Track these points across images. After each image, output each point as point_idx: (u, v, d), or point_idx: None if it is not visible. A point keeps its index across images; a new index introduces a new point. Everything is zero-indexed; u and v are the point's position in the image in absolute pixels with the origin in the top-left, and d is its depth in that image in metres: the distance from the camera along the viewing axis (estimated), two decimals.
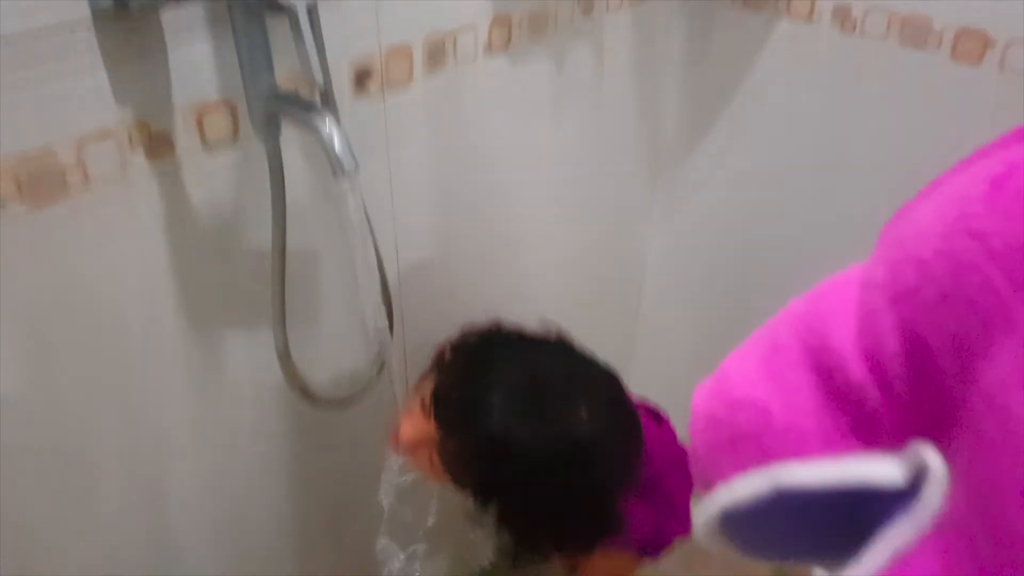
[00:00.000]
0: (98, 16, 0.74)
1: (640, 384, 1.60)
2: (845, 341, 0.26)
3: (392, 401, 1.05)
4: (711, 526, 0.27)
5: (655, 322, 1.75)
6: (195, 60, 0.83)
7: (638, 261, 1.69)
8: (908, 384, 0.24)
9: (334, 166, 0.79)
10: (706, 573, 1.59)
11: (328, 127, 0.79)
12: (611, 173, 1.46)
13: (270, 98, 0.82)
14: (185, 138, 0.85)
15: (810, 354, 0.27)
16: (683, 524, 1.22)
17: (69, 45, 0.73)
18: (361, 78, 0.97)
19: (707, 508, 0.27)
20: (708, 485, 0.28)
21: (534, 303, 1.22)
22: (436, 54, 1.05)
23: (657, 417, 1.22)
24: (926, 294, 0.24)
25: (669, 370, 1.67)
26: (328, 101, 0.88)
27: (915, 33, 1.24)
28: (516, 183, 1.28)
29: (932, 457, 0.23)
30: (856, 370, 0.26)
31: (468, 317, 1.32)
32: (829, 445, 0.25)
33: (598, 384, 1.01)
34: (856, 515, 0.23)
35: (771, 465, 0.25)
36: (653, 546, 1.22)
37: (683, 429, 1.24)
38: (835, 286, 0.28)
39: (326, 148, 0.79)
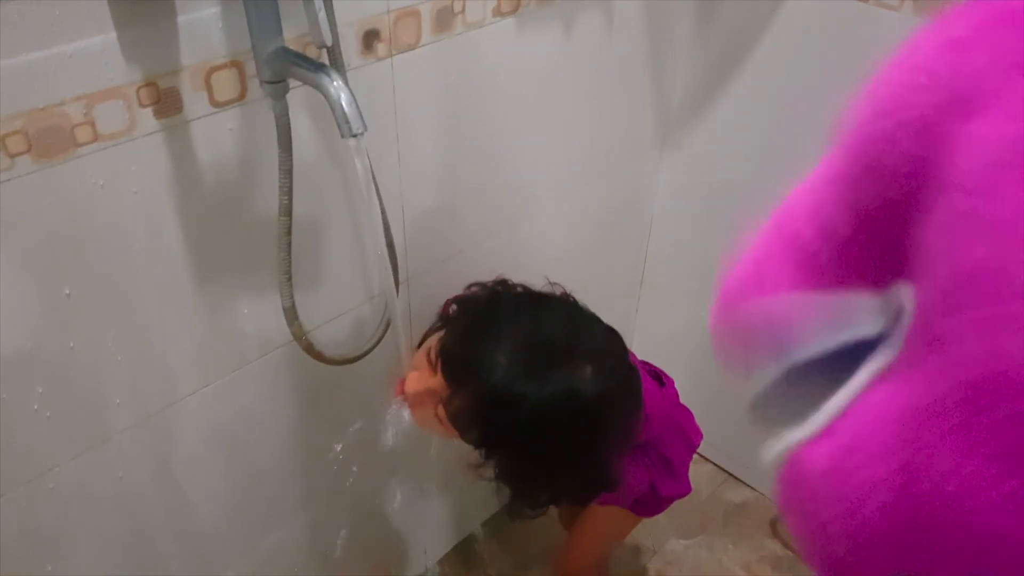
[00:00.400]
0: None
1: (643, 346, 1.61)
2: (802, 221, 0.33)
3: (397, 358, 1.07)
4: (751, 407, 0.33)
5: (659, 286, 1.77)
6: (204, 19, 0.83)
7: (643, 226, 1.70)
8: (848, 241, 0.30)
9: (341, 127, 0.80)
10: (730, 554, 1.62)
11: (336, 87, 0.79)
12: (618, 138, 1.47)
13: (278, 58, 0.83)
14: (193, 97, 0.86)
15: (781, 235, 0.34)
16: (680, 484, 1.25)
17: (79, 4, 0.74)
18: (369, 40, 0.98)
19: (755, 386, 0.33)
20: (734, 360, 0.34)
21: (540, 265, 1.23)
22: (444, 16, 1.05)
23: (659, 379, 1.24)
24: (862, 161, 0.30)
25: (672, 333, 1.69)
26: (336, 62, 0.89)
27: (931, 4, 1.23)
28: (523, 146, 1.29)
29: (906, 295, 0.27)
30: (808, 232, 0.32)
31: (473, 277, 1.33)
32: (820, 323, 0.30)
33: (601, 344, 1.02)
34: (835, 359, 0.29)
35: (780, 342, 0.30)
36: (651, 504, 1.25)
37: (685, 391, 1.26)
38: (785, 206, 0.36)
39: (333, 108, 0.80)
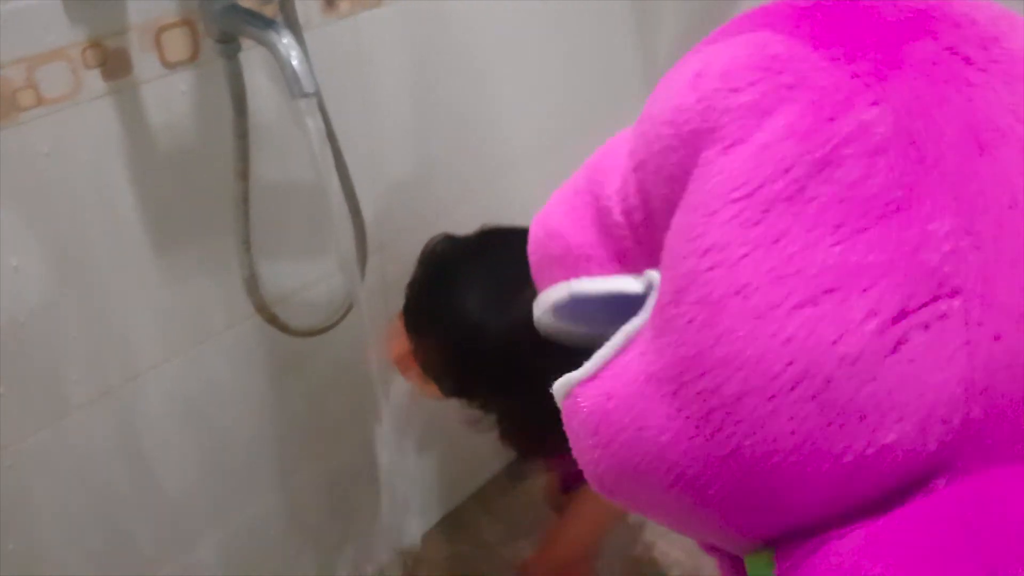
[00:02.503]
0: None
1: None
2: (612, 191, 0.36)
3: (363, 328, 1.04)
4: (542, 319, 0.38)
5: None
6: None
7: None
8: (644, 227, 0.35)
9: (291, 86, 0.77)
10: None
11: (285, 45, 0.76)
12: (601, 93, 1.42)
13: (227, 15, 0.79)
14: (143, 58, 0.83)
15: (594, 198, 0.37)
16: None
17: None
18: None
19: (537, 307, 0.39)
20: (539, 290, 0.39)
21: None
22: None
23: None
24: (649, 166, 0.34)
25: None
26: (289, 19, 0.86)
27: None
28: (499, 105, 1.25)
29: (656, 277, 0.33)
30: (616, 213, 0.36)
31: None
32: (603, 267, 0.36)
33: None
34: (620, 313, 0.34)
35: (569, 280, 0.37)
36: None
37: None
38: (616, 143, 0.38)
39: (283, 67, 0.76)
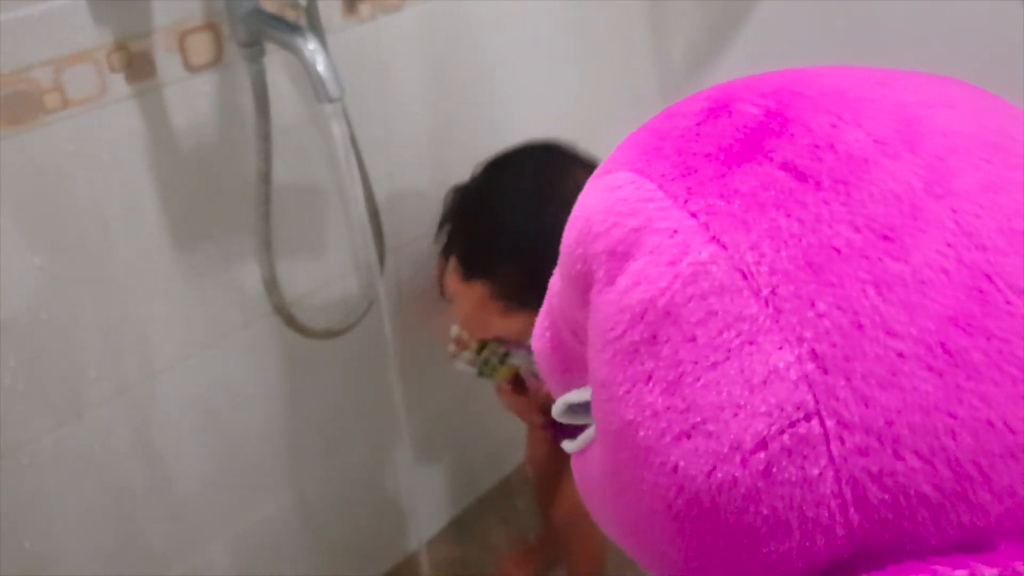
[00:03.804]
0: None
1: None
2: (557, 315, 0.39)
3: (382, 329, 1.04)
4: (560, 415, 0.40)
5: None
6: None
7: None
8: (569, 353, 0.38)
9: (318, 91, 0.77)
10: None
11: (311, 50, 0.77)
12: (617, 98, 1.42)
13: (253, 19, 0.80)
14: (167, 61, 0.83)
15: (551, 323, 0.40)
16: None
17: None
18: (351, 0, 0.94)
19: (555, 410, 0.40)
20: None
21: None
22: None
23: None
24: (564, 294, 0.37)
25: None
26: (313, 23, 0.86)
27: None
28: (516, 109, 1.25)
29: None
30: (567, 334, 0.38)
31: None
32: (584, 378, 0.37)
33: (579, 153, 1.03)
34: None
35: (563, 388, 0.40)
36: None
37: None
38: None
39: (309, 72, 0.77)
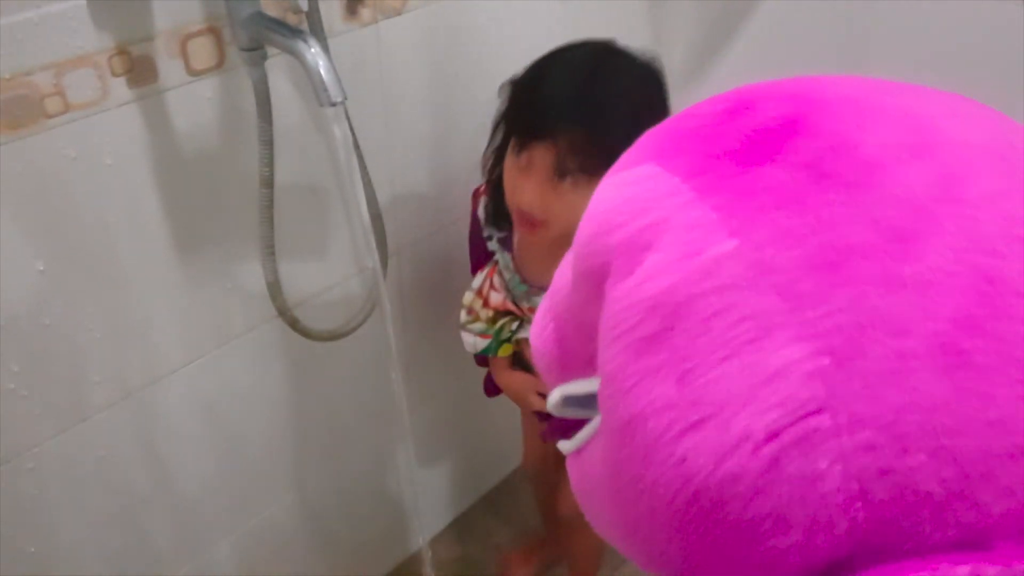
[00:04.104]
0: None
1: None
2: (563, 308, 0.39)
3: (385, 333, 1.04)
4: (555, 407, 0.40)
5: None
6: None
7: None
8: (569, 349, 0.39)
9: (319, 95, 0.77)
10: None
11: (313, 54, 0.76)
12: None
13: (254, 23, 0.80)
14: (169, 65, 0.83)
15: (554, 317, 0.40)
16: None
17: None
18: (352, 5, 0.94)
19: (549, 403, 0.41)
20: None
21: None
22: None
23: None
24: (577, 286, 0.37)
25: None
26: (315, 27, 0.86)
27: None
28: None
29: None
30: (571, 329, 0.39)
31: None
32: (583, 371, 0.38)
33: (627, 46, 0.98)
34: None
35: (561, 384, 0.40)
36: None
37: None
38: (564, 262, 0.40)
39: (311, 76, 0.77)
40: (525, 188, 0.91)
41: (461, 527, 1.63)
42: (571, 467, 0.41)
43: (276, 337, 1.08)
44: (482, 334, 1.12)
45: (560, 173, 0.88)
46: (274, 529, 1.24)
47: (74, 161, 0.80)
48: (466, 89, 1.15)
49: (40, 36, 0.74)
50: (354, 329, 1.07)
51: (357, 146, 0.94)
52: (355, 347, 1.13)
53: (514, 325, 1.10)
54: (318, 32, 0.86)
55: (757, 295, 0.29)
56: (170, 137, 0.86)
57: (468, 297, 1.12)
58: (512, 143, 0.93)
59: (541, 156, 0.89)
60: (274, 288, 0.95)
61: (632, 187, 0.34)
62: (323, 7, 0.88)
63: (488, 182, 1.03)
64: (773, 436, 0.28)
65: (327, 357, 1.16)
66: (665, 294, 0.31)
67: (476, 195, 1.09)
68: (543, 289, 1.00)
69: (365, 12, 0.96)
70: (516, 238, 1.05)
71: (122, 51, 0.79)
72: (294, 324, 0.99)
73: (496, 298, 1.09)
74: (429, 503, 1.55)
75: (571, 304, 0.38)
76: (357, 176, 0.85)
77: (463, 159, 1.21)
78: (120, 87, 0.80)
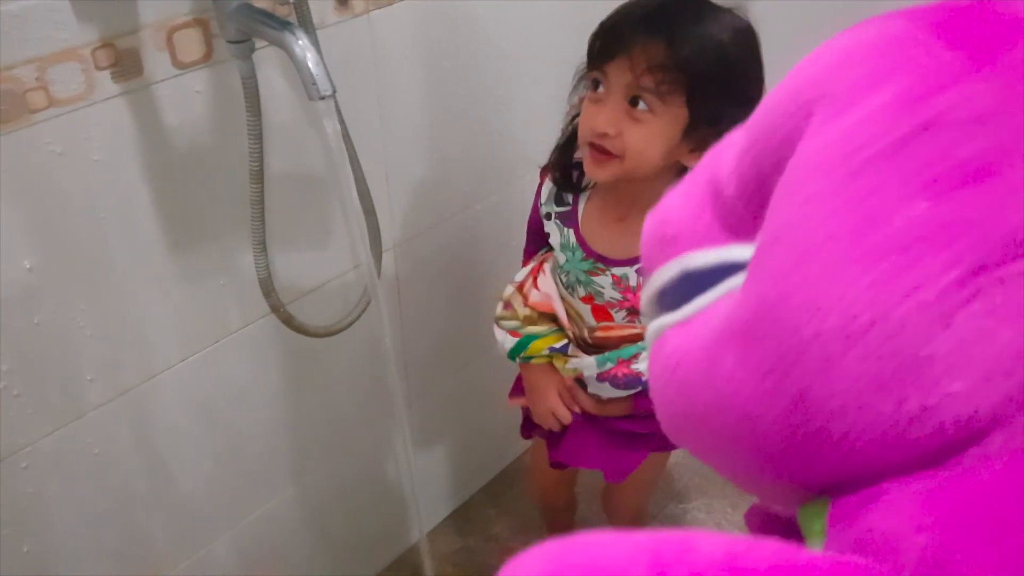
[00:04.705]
0: None
1: None
2: (727, 172, 0.37)
3: (381, 329, 1.03)
4: (645, 311, 0.39)
5: None
6: None
7: None
8: (757, 198, 0.35)
9: (308, 89, 0.76)
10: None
11: (301, 46, 0.75)
12: None
13: (241, 15, 0.78)
14: (155, 58, 0.81)
15: (709, 181, 0.38)
16: None
17: None
18: None
19: (643, 297, 0.39)
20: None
21: None
22: None
23: None
24: (763, 136, 0.35)
25: None
26: (304, 19, 0.84)
27: None
28: (515, 103, 1.23)
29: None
30: (731, 189, 0.36)
31: (465, 241, 1.29)
32: (717, 241, 0.36)
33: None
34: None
35: (681, 256, 0.37)
36: None
37: None
38: (730, 136, 0.38)
39: (300, 69, 0.75)
40: (599, 114, 0.88)
41: (461, 519, 1.62)
42: (669, 339, 0.38)
43: (272, 332, 1.07)
44: (513, 331, 1.07)
45: (636, 94, 0.86)
46: (272, 524, 1.24)
47: (61, 156, 0.79)
48: (462, 80, 1.13)
49: (22, 29, 0.72)
50: (349, 325, 1.06)
51: (349, 140, 0.93)
52: (352, 341, 1.11)
53: (552, 330, 1.05)
54: (307, 23, 0.84)
55: (1002, 134, 0.29)
56: (159, 131, 0.85)
57: (508, 291, 1.09)
58: (589, 79, 0.91)
59: (616, 75, 0.86)
60: (266, 284, 0.94)
61: (876, 33, 0.33)
62: None
63: (559, 148, 1.01)
64: (980, 271, 0.28)
65: (324, 351, 1.15)
66: (901, 120, 0.30)
67: (543, 173, 1.06)
68: (607, 261, 0.98)
69: (357, 2, 0.94)
70: (583, 202, 1.00)
71: (107, 44, 0.78)
72: (288, 321, 0.98)
73: (537, 296, 1.05)
74: (428, 495, 1.54)
75: (743, 162, 0.36)
76: (348, 171, 0.83)
77: (460, 152, 1.19)
78: (105, 81, 0.79)
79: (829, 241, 0.30)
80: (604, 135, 0.87)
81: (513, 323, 1.07)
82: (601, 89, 0.88)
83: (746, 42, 0.88)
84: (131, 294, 0.91)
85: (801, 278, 0.31)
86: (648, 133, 0.87)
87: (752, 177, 0.36)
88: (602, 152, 0.89)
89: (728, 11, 0.89)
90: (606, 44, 0.88)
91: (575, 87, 0.97)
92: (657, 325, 0.38)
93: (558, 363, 1.06)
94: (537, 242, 1.08)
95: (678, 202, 0.39)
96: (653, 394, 0.39)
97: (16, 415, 0.87)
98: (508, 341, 1.07)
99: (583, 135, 0.91)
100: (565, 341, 1.05)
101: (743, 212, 0.36)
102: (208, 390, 1.05)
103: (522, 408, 1.19)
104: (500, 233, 1.30)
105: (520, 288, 1.07)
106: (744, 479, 0.37)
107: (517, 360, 1.08)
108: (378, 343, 1.06)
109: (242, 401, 1.10)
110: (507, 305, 1.08)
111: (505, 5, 1.12)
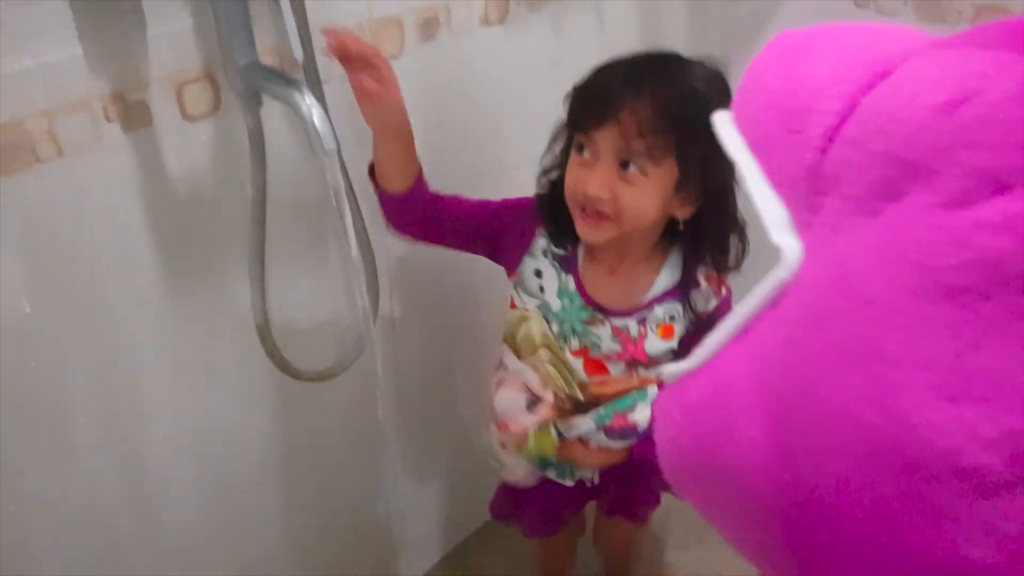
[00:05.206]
0: None
1: None
2: (816, 132, 0.33)
3: (375, 376, 1.04)
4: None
5: None
6: (175, 31, 0.80)
7: None
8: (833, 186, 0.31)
9: (313, 144, 0.77)
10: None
11: (308, 105, 0.76)
12: None
13: (250, 72, 0.80)
14: (164, 109, 0.83)
15: (791, 132, 0.34)
16: None
17: (42, 17, 0.71)
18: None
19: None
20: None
21: None
22: (429, 26, 1.02)
23: None
24: (865, 154, 0.31)
25: None
26: (311, 75, 0.86)
27: (934, 9, 1.19)
28: (514, 154, 1.25)
29: (794, 243, 0.31)
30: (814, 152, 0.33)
31: (463, 285, 1.30)
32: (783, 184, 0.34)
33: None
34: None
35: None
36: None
37: None
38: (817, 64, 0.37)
39: (305, 125, 0.77)
40: (590, 179, 0.88)
41: (455, 561, 1.61)
42: (689, 384, 0.35)
43: (265, 374, 1.07)
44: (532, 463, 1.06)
45: (626, 159, 0.86)
46: (262, 566, 1.23)
47: (65, 203, 0.80)
48: (460, 126, 1.15)
49: (36, 83, 0.74)
50: (344, 369, 1.07)
51: (351, 189, 0.94)
52: (346, 385, 1.12)
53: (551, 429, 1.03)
54: (314, 79, 0.86)
55: None
56: (162, 179, 0.86)
57: (531, 378, 1.02)
58: (574, 143, 0.91)
59: (605, 142, 0.87)
60: (263, 330, 0.95)
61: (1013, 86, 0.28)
62: (321, 54, 0.89)
63: (546, 203, 0.99)
64: None
65: (316, 392, 1.15)
66: (1012, 253, 0.26)
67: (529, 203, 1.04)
68: (606, 311, 0.97)
69: None
70: (582, 250, 0.99)
71: (117, 97, 0.79)
72: (284, 367, 0.99)
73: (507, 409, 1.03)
74: (421, 537, 1.54)
75: (835, 144, 0.32)
76: (350, 223, 0.85)
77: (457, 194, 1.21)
78: (114, 131, 0.81)
79: (923, 369, 0.27)
80: (598, 199, 0.88)
81: (521, 467, 1.07)
82: (587, 153, 0.89)
83: (724, 88, 0.90)
84: (126, 336, 0.91)
85: (854, 391, 0.28)
86: (641, 193, 0.88)
87: (840, 175, 0.32)
88: (596, 215, 0.90)
89: (700, 62, 0.91)
90: (591, 110, 0.88)
91: (551, 145, 0.98)
92: (674, 371, 0.36)
93: (547, 440, 1.04)
94: (480, 216, 1.04)
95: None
96: (663, 440, 0.37)
97: (6, 459, 0.87)
98: (521, 466, 1.07)
99: (573, 197, 0.92)
100: (549, 420, 1.02)
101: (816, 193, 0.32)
102: (199, 431, 1.05)
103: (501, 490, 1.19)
104: (497, 273, 1.31)
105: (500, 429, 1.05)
106: (737, 542, 0.35)
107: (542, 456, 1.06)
108: (371, 386, 1.07)
109: (232, 442, 1.10)
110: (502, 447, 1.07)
111: (505, 59, 1.14)
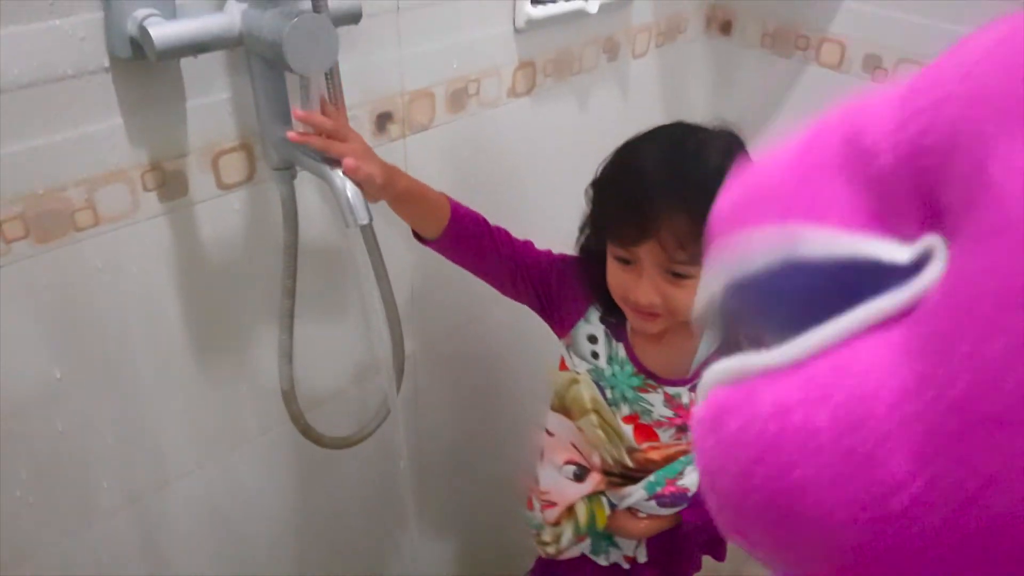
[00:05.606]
0: (116, 63, 0.73)
1: None
2: (882, 132, 0.25)
3: (399, 445, 1.03)
4: (712, 300, 0.27)
5: None
6: (213, 104, 0.82)
7: None
8: (936, 173, 0.23)
9: (346, 217, 0.78)
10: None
11: (341, 179, 0.78)
12: None
13: (286, 146, 0.81)
14: (200, 179, 0.84)
15: (847, 141, 0.26)
16: None
17: (85, 89, 0.73)
18: (382, 121, 0.96)
19: (710, 278, 0.27)
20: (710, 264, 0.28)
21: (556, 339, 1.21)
22: (458, 97, 1.03)
23: None
24: (964, 102, 0.23)
25: None
26: None
27: None
28: (540, 221, 1.26)
29: (939, 246, 0.22)
30: (886, 156, 0.25)
31: (482, 353, 1.30)
32: (846, 221, 0.24)
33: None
34: (852, 298, 0.22)
35: (787, 227, 0.25)
36: None
37: None
38: (872, 94, 0.27)
39: (339, 200, 0.78)
40: (639, 288, 0.88)
41: None
42: (764, 394, 0.24)
43: (287, 439, 1.07)
44: (578, 536, 1.06)
45: (672, 269, 0.86)
46: None
47: (99, 272, 0.81)
48: (490, 197, 1.16)
49: (77, 153, 0.75)
50: (366, 437, 1.06)
51: (381, 258, 0.95)
52: (368, 451, 1.11)
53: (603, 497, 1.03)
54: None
55: None
56: (194, 247, 0.87)
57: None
58: (611, 248, 0.91)
59: (648, 256, 0.86)
60: (289, 396, 0.95)
61: None
62: (353, 124, 0.90)
63: (596, 289, 0.97)
64: None
65: (337, 458, 1.15)
66: None
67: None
68: (658, 379, 0.96)
69: (393, 128, 0.98)
70: (631, 326, 0.98)
71: (155, 167, 0.81)
72: (307, 432, 0.99)
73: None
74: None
75: (918, 121, 0.24)
76: (377, 294, 0.85)
77: None
78: (151, 201, 0.82)
79: None
80: (650, 305, 0.88)
81: (566, 539, 1.06)
82: (631, 263, 0.89)
83: (745, 157, 0.88)
84: (152, 401, 0.92)
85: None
86: (691, 291, 0.87)
87: (933, 147, 0.24)
88: (649, 314, 0.90)
89: (719, 134, 0.90)
90: (627, 228, 0.87)
91: (582, 232, 0.98)
92: (737, 367, 0.26)
93: (598, 511, 1.04)
94: (526, 263, 1.03)
95: (783, 159, 0.27)
96: (711, 462, 0.26)
97: (27, 523, 0.86)
98: (565, 538, 1.06)
99: (623, 300, 0.91)
100: (600, 488, 1.02)
101: (901, 193, 0.24)
102: (219, 496, 1.05)
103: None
104: (520, 339, 1.31)
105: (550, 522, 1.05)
106: None
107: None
108: (392, 452, 1.07)
109: (252, 507, 1.10)
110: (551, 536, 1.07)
111: (532, 129, 1.16)
